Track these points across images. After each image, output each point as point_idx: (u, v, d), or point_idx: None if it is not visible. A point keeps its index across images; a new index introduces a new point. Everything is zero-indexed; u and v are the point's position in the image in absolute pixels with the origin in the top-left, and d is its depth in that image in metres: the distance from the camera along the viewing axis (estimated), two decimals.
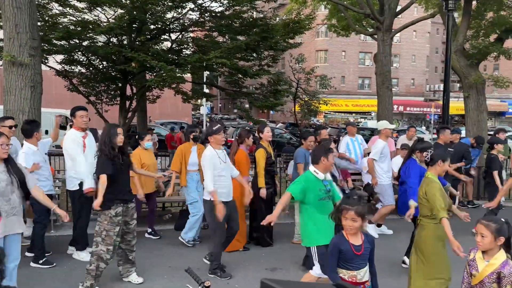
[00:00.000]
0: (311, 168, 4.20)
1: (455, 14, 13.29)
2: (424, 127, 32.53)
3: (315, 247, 4.02)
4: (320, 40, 40.88)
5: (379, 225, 7.21)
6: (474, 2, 11.53)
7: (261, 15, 11.14)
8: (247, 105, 22.00)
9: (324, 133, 6.99)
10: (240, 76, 11.56)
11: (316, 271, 4.04)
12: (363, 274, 2.99)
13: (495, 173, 6.94)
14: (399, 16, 16.21)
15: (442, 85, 40.79)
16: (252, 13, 11.27)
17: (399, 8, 13.20)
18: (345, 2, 13.71)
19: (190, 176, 6.18)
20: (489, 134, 12.42)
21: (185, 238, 6.13)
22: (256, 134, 6.52)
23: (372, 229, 6.62)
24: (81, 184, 5.27)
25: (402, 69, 43.42)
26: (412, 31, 41.95)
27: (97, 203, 4.33)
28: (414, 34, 42.74)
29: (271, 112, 39.50)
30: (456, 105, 28.21)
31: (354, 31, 15.63)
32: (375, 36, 12.99)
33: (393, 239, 6.78)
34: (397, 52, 42.72)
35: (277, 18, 13.70)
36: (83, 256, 5.46)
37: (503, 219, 2.94)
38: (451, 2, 8.19)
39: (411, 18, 15.63)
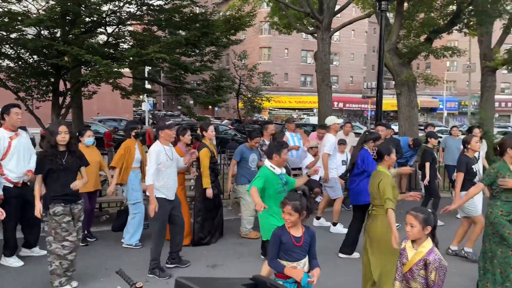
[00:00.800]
0: (267, 163, 4.38)
1: (390, 15, 13.98)
2: (358, 123, 33.91)
3: None
4: (264, 37, 41.27)
5: (318, 218, 7.43)
6: (406, 4, 12.17)
7: (202, 10, 11.01)
8: (191, 102, 21.73)
9: (271, 128, 7.12)
10: (182, 71, 11.36)
11: None
12: (302, 265, 3.09)
13: (427, 164, 7.46)
14: (338, 15, 16.70)
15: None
16: (192, 8, 11.09)
17: (337, 7, 13.65)
18: (286, 1, 13.92)
19: (135, 174, 6.01)
20: (419, 129, 13.23)
21: (132, 243, 5.98)
22: (199, 132, 6.45)
23: (339, 228, 6.89)
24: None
25: (341, 67, 44.97)
26: (351, 30, 43.55)
27: (36, 204, 4.37)
28: (352, 33, 44.39)
29: (216, 108, 39.37)
30: (392, 102, 29.61)
31: (295, 29, 15.93)
32: (315, 34, 13.33)
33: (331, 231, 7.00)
34: (337, 50, 44.16)
35: (220, 13, 13.64)
36: (11, 262, 5.15)
37: (429, 210, 3.13)
38: (384, 3, 8.58)
39: (350, 17, 16.23)
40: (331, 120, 7.27)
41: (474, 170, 5.59)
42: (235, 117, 22.52)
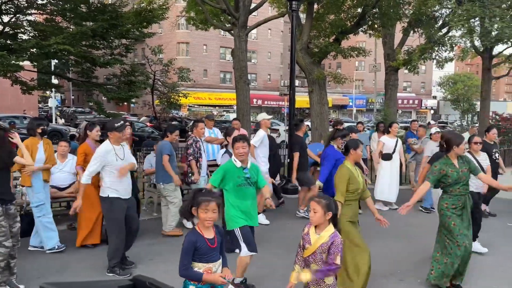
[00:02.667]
0: (232, 157, 4.48)
1: (303, 15, 14.50)
2: (276, 120, 34.84)
3: (238, 229, 4.28)
4: (181, 32, 40.52)
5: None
6: (316, 6, 12.71)
7: (110, 1, 10.48)
8: (104, 98, 20.61)
9: (202, 126, 7.02)
10: (89, 65, 10.70)
11: (244, 252, 4.28)
12: (218, 266, 3.03)
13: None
14: (255, 14, 16.90)
15: (295, 81, 43.76)
16: None
17: (253, 6, 13.81)
18: None
19: (37, 175, 5.52)
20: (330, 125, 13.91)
21: (51, 246, 5.57)
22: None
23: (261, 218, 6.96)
24: None
25: (259, 65, 45.80)
26: (268, 29, 44.48)
27: None
28: (269, 32, 45.38)
29: (132, 105, 37.84)
30: (307, 99, 30.76)
31: (212, 26, 15.83)
32: (232, 31, 13.37)
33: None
34: (255, 48, 44.86)
35: (134, 6, 13.06)
36: None
37: (330, 197, 3.30)
38: (295, 3, 8.83)
39: (266, 16, 16.51)
40: (261, 116, 7.69)
41: None
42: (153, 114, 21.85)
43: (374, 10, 12.52)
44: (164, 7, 11.23)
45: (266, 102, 42.43)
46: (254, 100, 40.71)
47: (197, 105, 40.02)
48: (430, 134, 8.27)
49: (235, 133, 6.56)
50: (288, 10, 9.52)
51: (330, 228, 3.19)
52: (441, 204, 4.63)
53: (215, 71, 43.02)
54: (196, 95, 39.28)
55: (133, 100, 16.94)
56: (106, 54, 11.01)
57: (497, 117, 19.97)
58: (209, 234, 2.98)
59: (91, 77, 11.39)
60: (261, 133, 7.38)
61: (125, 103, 34.94)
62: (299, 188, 8.02)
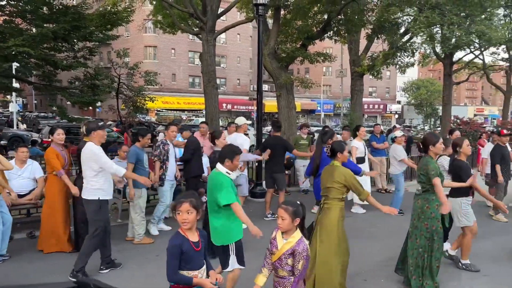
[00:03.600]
0: (222, 168, 4.12)
1: (270, 21, 14.62)
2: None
3: (234, 243, 4.10)
4: (149, 36, 39.99)
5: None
6: (283, 11, 12.86)
7: (74, 3, 10.23)
8: (69, 102, 19.99)
9: (173, 129, 6.96)
10: (50, 68, 10.38)
11: (233, 265, 4.12)
12: (203, 273, 2.95)
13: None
14: (224, 18, 16.96)
15: (264, 86, 44.06)
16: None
17: (222, 10, 13.83)
18: (170, 0, 13.66)
19: None
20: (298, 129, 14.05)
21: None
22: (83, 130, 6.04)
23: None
24: None
25: (229, 69, 45.80)
26: (236, 34, 44.57)
27: None
28: (238, 37, 45.50)
29: (98, 109, 36.96)
30: (276, 104, 31.00)
31: (179, 29, 15.72)
32: (200, 35, 13.33)
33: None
34: (224, 53, 44.84)
35: (100, 9, 12.78)
36: None
37: (298, 202, 3.27)
38: (261, 8, 8.92)
39: (235, 21, 16.55)
40: (241, 120, 7.77)
41: (472, 174, 5.26)
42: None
43: (339, 17, 12.81)
44: (129, 9, 11.04)
45: (235, 107, 42.44)
46: (224, 105, 40.63)
47: (165, 109, 39.51)
48: (395, 137, 8.48)
49: (222, 136, 6.59)
50: (255, 15, 9.60)
51: (297, 234, 3.20)
52: (432, 206, 4.49)
53: (183, 75, 42.66)
54: (165, 100, 38.80)
55: (99, 105, 16.48)
56: (69, 57, 10.70)
57: (458, 121, 20.73)
58: (194, 237, 2.92)
59: (53, 81, 11.04)
60: (241, 138, 7.60)
61: (91, 108, 34.11)
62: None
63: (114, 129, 21.60)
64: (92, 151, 4.82)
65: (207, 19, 12.65)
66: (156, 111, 38.59)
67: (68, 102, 20.93)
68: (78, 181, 5.68)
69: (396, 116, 56.96)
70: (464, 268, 5.35)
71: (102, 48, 29.20)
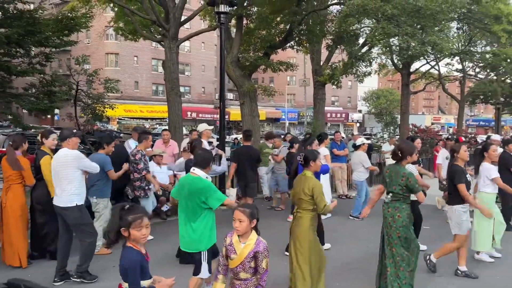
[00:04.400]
0: (202, 174, 4.20)
1: (234, 29, 14.70)
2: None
3: (206, 251, 4.12)
4: (110, 43, 39.19)
5: None
6: (245, 20, 12.98)
7: (30, 8, 9.90)
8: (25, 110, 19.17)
9: (151, 138, 7.00)
10: (3, 74, 9.97)
11: (204, 274, 4.10)
12: (147, 284, 2.89)
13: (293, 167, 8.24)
14: (188, 27, 16.81)
15: (229, 94, 43.96)
16: (16, 4, 9.87)
17: (185, 18, 13.77)
18: (132, 7, 13.47)
19: None
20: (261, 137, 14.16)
21: None
22: (39, 139, 5.95)
23: None
24: None
25: (193, 77, 45.54)
26: (201, 42, 44.48)
27: None
28: (202, 45, 45.40)
29: (56, 117, 35.73)
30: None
31: (142, 37, 15.53)
32: (163, 43, 13.21)
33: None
34: (189, 61, 44.57)
35: (60, 13, 12.40)
36: None
37: (253, 206, 3.32)
38: (223, 17, 8.95)
39: (200, 29, 16.51)
40: (203, 126, 7.79)
41: (468, 180, 5.24)
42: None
43: (301, 27, 13.06)
44: (88, 15, 10.79)
45: (200, 115, 42.13)
46: (188, 113, 40.29)
47: (127, 118, 38.71)
48: (357, 145, 8.77)
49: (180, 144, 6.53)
50: (217, 23, 9.61)
51: (254, 235, 3.21)
52: (403, 215, 4.49)
53: (146, 83, 42.00)
54: (127, 108, 38.03)
55: (57, 112, 15.90)
56: (24, 63, 10.30)
57: (416, 129, 21.54)
58: (143, 249, 2.88)
59: (7, 87, 10.59)
60: (204, 143, 7.35)
61: (49, 116, 32.92)
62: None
63: None
64: (72, 156, 4.91)
65: (170, 26, 12.56)
66: (117, 120, 37.74)
67: (25, 111, 20.13)
68: (38, 190, 5.56)
69: (358, 124, 58.43)
70: (432, 268, 5.43)
71: (61, 55, 28.33)
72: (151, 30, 15.60)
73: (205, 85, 46.82)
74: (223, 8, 8.78)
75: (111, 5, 15.44)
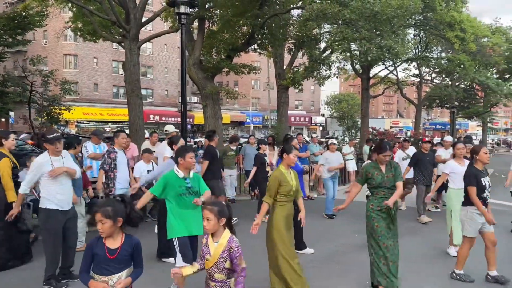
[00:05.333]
0: (175, 167, 4.53)
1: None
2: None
3: (176, 238, 4.31)
4: (68, 44, 37.95)
5: None
6: (207, 22, 12.93)
7: None
8: None
9: (124, 136, 6.89)
10: None
11: (179, 262, 4.27)
12: (115, 280, 2.85)
13: (254, 168, 8.51)
14: (150, 28, 16.56)
15: (193, 97, 43.64)
16: None
17: (145, 19, 13.55)
18: (91, 7, 13.13)
19: None
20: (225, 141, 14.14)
21: None
22: None
23: None
24: None
25: (156, 80, 44.81)
26: (164, 45, 43.90)
27: None
28: (165, 47, 44.80)
29: (11, 120, 34.16)
30: None
31: (101, 37, 15.16)
32: (123, 44, 12.95)
33: None
34: (151, 63, 43.86)
35: (13, 12, 11.87)
36: None
37: (224, 202, 3.24)
38: (184, 17, 8.84)
39: (163, 31, 16.29)
40: (171, 127, 7.84)
41: (483, 183, 5.03)
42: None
43: (263, 30, 13.15)
44: (43, 13, 10.39)
45: (163, 118, 41.45)
46: (151, 116, 39.61)
47: (87, 121, 37.56)
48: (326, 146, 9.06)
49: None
50: (178, 24, 9.50)
51: (226, 234, 3.14)
52: (367, 206, 4.80)
53: (106, 85, 40.90)
54: (86, 111, 36.91)
55: (11, 115, 15.23)
56: None
57: (375, 132, 22.20)
58: (113, 243, 2.86)
59: None
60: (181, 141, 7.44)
61: (3, 120, 31.44)
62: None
63: (29, 141, 20.08)
64: (34, 160, 4.98)
65: (131, 27, 12.34)
66: (76, 123, 36.56)
67: None
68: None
69: (321, 128, 59.46)
70: (458, 278, 5.23)
71: (16, 55, 27.19)
72: (111, 31, 15.27)
73: (168, 87, 46.18)
74: (183, 9, 8.68)
75: (69, 5, 15.01)
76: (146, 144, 9.55)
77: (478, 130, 53.27)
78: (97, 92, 40.24)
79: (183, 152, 4.54)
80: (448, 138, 9.87)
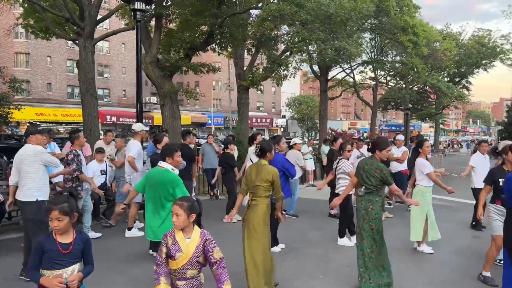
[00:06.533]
0: (170, 166, 4.75)
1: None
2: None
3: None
4: (20, 42, 36.26)
5: (129, 229, 7.29)
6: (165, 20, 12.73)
7: None
8: None
9: (83, 136, 7.01)
10: None
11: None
12: (70, 272, 2.85)
13: (218, 168, 8.85)
14: (108, 27, 16.09)
15: (153, 98, 42.73)
16: None
17: (101, 17, 13.19)
18: (43, 3, 12.65)
19: None
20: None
21: None
22: None
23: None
24: None
25: (113, 80, 43.62)
26: (121, 44, 42.86)
27: None
28: (123, 46, 43.70)
29: None
30: None
31: (54, 35, 14.64)
32: (78, 42, 12.57)
33: None
34: (108, 63, 42.70)
35: None
36: None
37: (194, 198, 3.18)
38: (139, 14, 8.69)
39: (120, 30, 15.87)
40: (139, 126, 7.60)
41: (501, 184, 4.87)
42: None
43: (222, 30, 13.13)
44: None
45: (121, 119, 40.41)
46: (108, 117, 38.52)
47: (39, 122, 35.97)
48: (294, 144, 9.19)
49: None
50: (133, 21, 9.33)
51: (197, 229, 3.08)
52: (375, 207, 4.59)
53: (61, 85, 39.38)
54: (39, 111, 35.41)
55: None
56: None
57: (333, 132, 22.72)
58: (65, 239, 2.87)
59: None
60: (137, 144, 7.34)
61: None
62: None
63: None
64: (33, 151, 5.04)
65: (85, 24, 11.99)
66: (28, 124, 34.95)
67: None
68: None
69: (282, 129, 60.08)
70: (482, 280, 5.12)
71: None
72: (65, 28, 14.76)
73: (126, 88, 45.03)
74: (139, 5, 8.56)
75: (20, 0, 14.38)
76: (99, 144, 9.26)
77: (431, 132, 55.70)
78: (51, 92, 38.68)
79: (172, 151, 4.74)
80: (400, 137, 10.26)
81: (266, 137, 13.25)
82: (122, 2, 11.48)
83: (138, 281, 5.05)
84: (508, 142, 6.08)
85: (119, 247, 6.51)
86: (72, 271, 2.87)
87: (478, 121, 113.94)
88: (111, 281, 5.05)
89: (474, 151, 8.27)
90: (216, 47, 14.36)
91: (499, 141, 10.99)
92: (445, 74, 35.44)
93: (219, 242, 5.07)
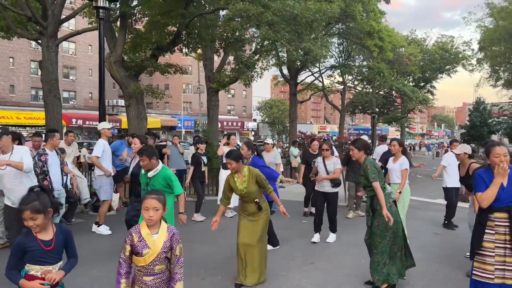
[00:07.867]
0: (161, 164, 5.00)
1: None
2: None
3: None
4: None
5: (99, 225, 7.35)
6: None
7: None
8: None
9: (58, 136, 6.95)
10: None
11: None
12: (58, 269, 2.83)
13: (192, 167, 8.77)
14: (73, 28, 15.67)
15: (120, 100, 41.74)
16: None
17: (65, 16, 12.87)
18: (4, 1, 12.22)
19: None
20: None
21: None
22: None
23: None
24: None
25: (79, 82, 42.55)
26: (88, 45, 41.92)
27: None
28: (90, 48, 42.73)
29: None
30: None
31: (16, 34, 14.17)
32: (40, 41, 12.22)
33: None
34: (73, 64, 41.66)
35: None
36: None
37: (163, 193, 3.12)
38: (102, 11, 8.53)
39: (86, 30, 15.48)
40: (102, 125, 7.63)
41: None
42: None
43: (190, 30, 13.03)
44: None
45: (87, 122, 39.40)
46: (74, 120, 37.51)
47: (1, 125, 34.62)
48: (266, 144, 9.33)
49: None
50: (96, 19, 9.15)
51: (164, 224, 3.02)
52: (390, 205, 4.61)
53: (24, 87, 38.07)
54: (1, 114, 34.14)
55: None
56: None
57: (302, 135, 22.98)
58: (46, 236, 2.80)
59: None
60: (102, 142, 7.42)
61: None
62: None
63: None
64: None
65: (48, 23, 11.68)
66: None
67: None
68: None
69: (253, 133, 60.21)
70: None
71: None
72: (27, 27, 14.30)
73: (92, 90, 43.96)
74: (102, 2, 8.40)
75: None
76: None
77: (397, 135, 57.17)
78: (14, 94, 37.33)
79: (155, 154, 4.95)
80: (364, 138, 10.53)
81: (238, 141, 13.26)
82: (87, 2, 11.25)
83: (100, 282, 4.92)
84: (467, 146, 6.37)
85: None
86: (60, 267, 2.84)
87: (443, 125, 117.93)
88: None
89: (437, 154, 8.52)
90: (184, 48, 14.25)
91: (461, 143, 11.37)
92: (410, 79, 36.51)
93: (189, 241, 5.00)
